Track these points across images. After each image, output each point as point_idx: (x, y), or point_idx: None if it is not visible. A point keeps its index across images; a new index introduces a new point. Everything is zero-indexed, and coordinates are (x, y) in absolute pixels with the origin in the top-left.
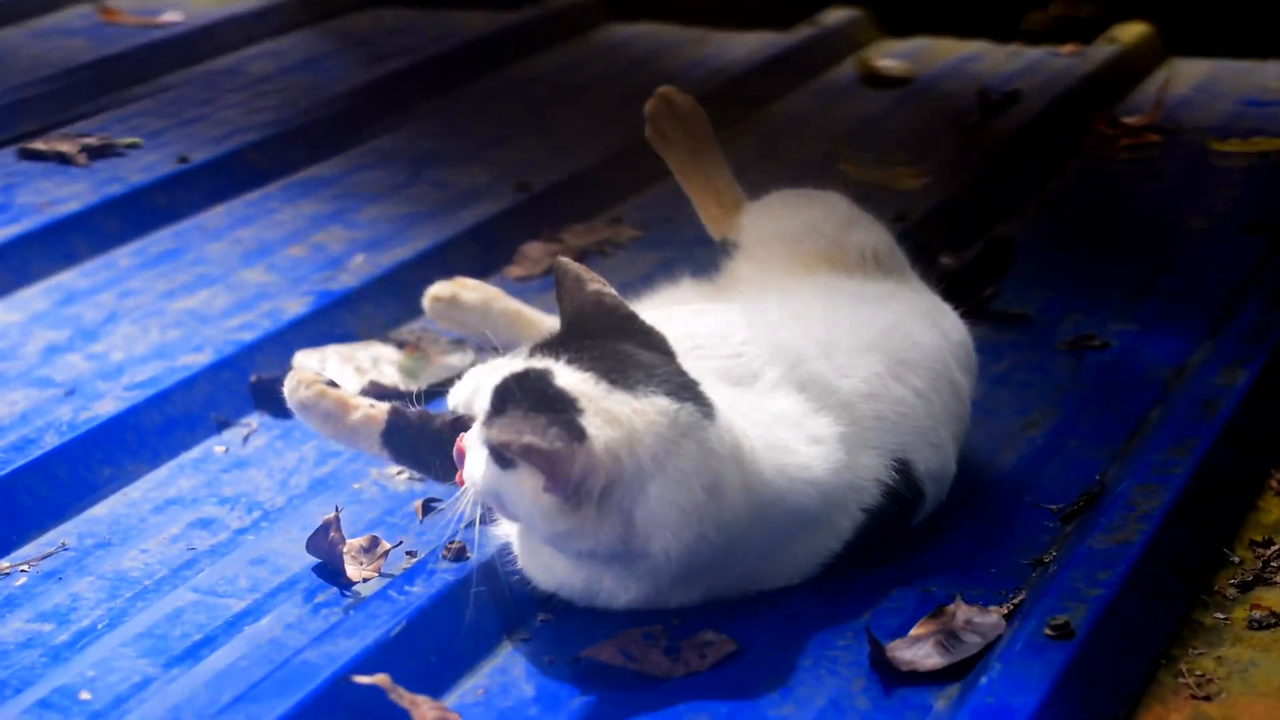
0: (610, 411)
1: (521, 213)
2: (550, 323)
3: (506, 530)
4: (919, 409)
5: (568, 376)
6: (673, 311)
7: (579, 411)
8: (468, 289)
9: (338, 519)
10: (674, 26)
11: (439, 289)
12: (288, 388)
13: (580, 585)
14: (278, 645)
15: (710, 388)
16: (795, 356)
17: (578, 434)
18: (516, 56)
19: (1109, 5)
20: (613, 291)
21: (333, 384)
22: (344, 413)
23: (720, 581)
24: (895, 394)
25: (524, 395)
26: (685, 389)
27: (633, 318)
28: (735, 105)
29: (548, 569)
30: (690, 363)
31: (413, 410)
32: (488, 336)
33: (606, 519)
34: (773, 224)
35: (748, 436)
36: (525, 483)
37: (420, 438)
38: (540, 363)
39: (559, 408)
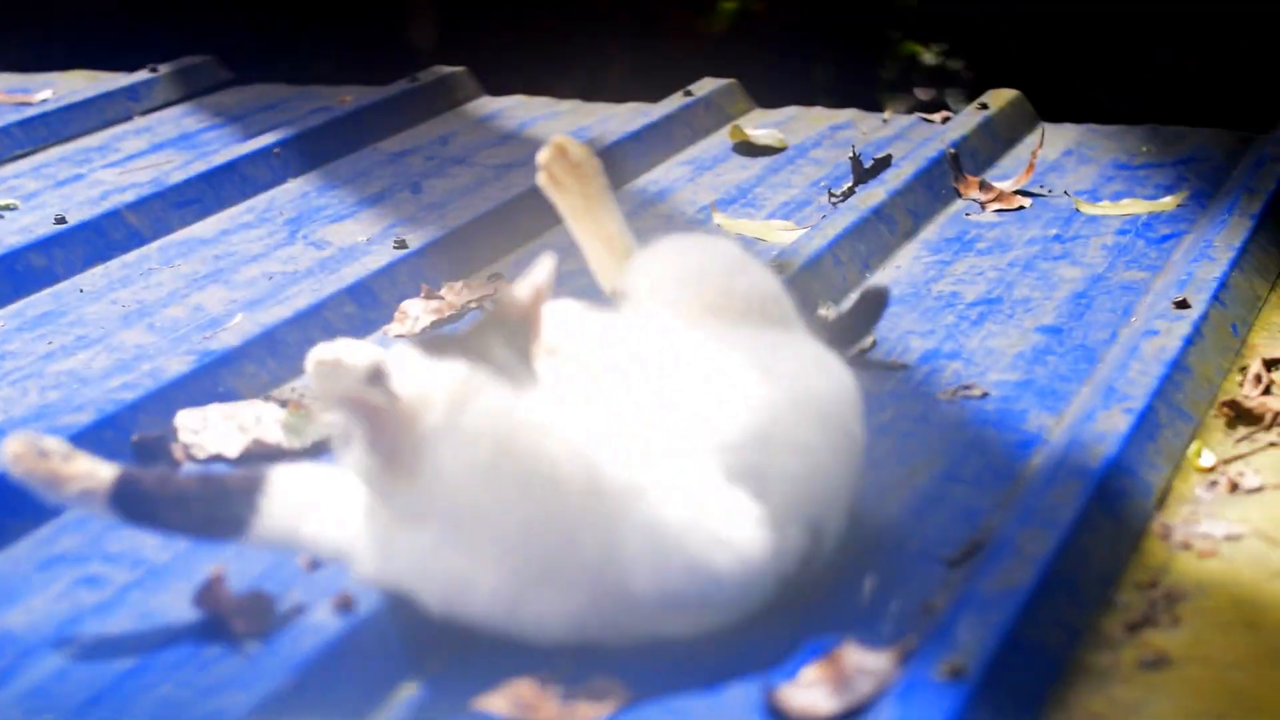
0: (420, 374)
1: (400, 270)
2: None
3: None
4: (825, 465)
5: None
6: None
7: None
8: (352, 352)
9: (221, 575)
10: (547, 99)
11: (322, 352)
12: (6, 460)
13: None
14: (166, 703)
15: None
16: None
17: (385, 388)
18: (389, 130)
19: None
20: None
21: (44, 453)
22: (58, 484)
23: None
24: (806, 447)
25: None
26: (494, 369)
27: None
28: (609, 174)
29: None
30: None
31: (148, 473)
32: None
33: (417, 477)
34: (661, 268)
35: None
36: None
37: (158, 498)
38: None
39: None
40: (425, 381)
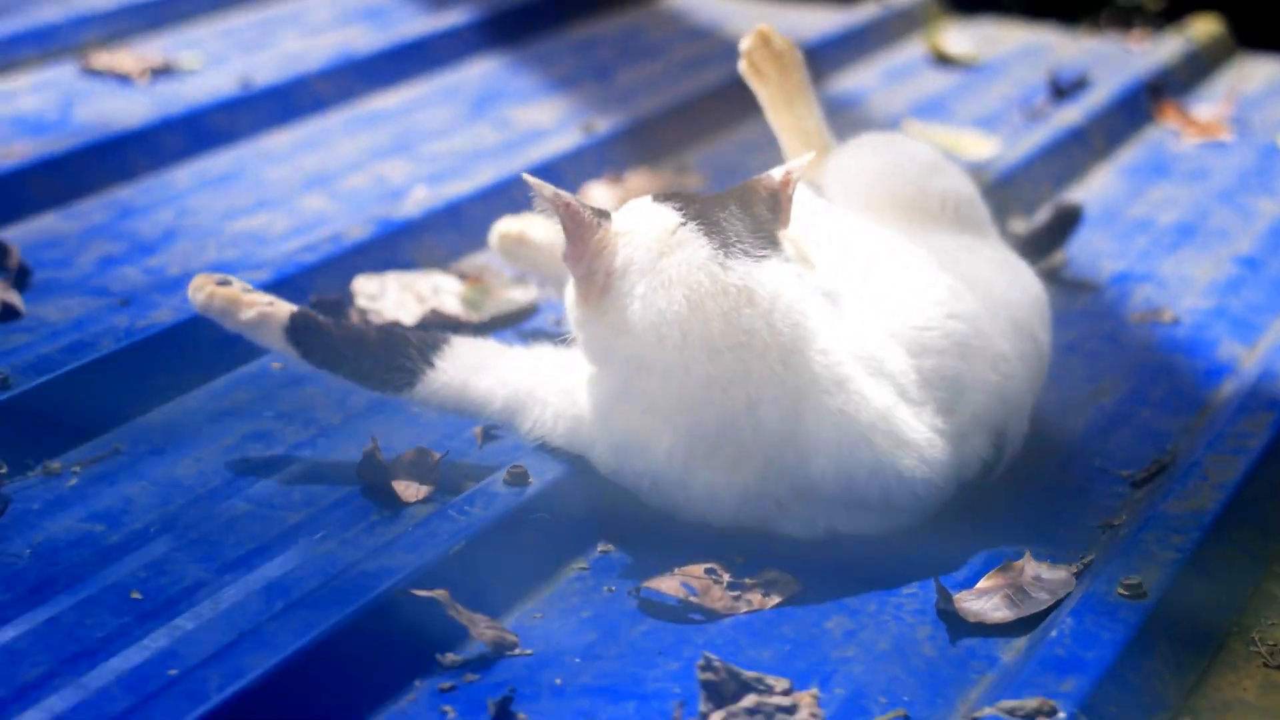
0: (637, 214)
1: (586, 154)
2: None
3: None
4: (1017, 374)
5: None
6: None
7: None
8: (537, 226)
9: (376, 446)
10: None
11: (507, 225)
12: (189, 294)
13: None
14: (333, 558)
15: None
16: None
17: (604, 215)
18: (580, 17)
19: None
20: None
21: (226, 282)
22: (236, 310)
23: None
24: (1002, 356)
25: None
26: (713, 228)
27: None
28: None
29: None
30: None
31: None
32: (554, 275)
33: (609, 313)
34: (858, 163)
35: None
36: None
37: (335, 336)
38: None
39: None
40: (635, 216)
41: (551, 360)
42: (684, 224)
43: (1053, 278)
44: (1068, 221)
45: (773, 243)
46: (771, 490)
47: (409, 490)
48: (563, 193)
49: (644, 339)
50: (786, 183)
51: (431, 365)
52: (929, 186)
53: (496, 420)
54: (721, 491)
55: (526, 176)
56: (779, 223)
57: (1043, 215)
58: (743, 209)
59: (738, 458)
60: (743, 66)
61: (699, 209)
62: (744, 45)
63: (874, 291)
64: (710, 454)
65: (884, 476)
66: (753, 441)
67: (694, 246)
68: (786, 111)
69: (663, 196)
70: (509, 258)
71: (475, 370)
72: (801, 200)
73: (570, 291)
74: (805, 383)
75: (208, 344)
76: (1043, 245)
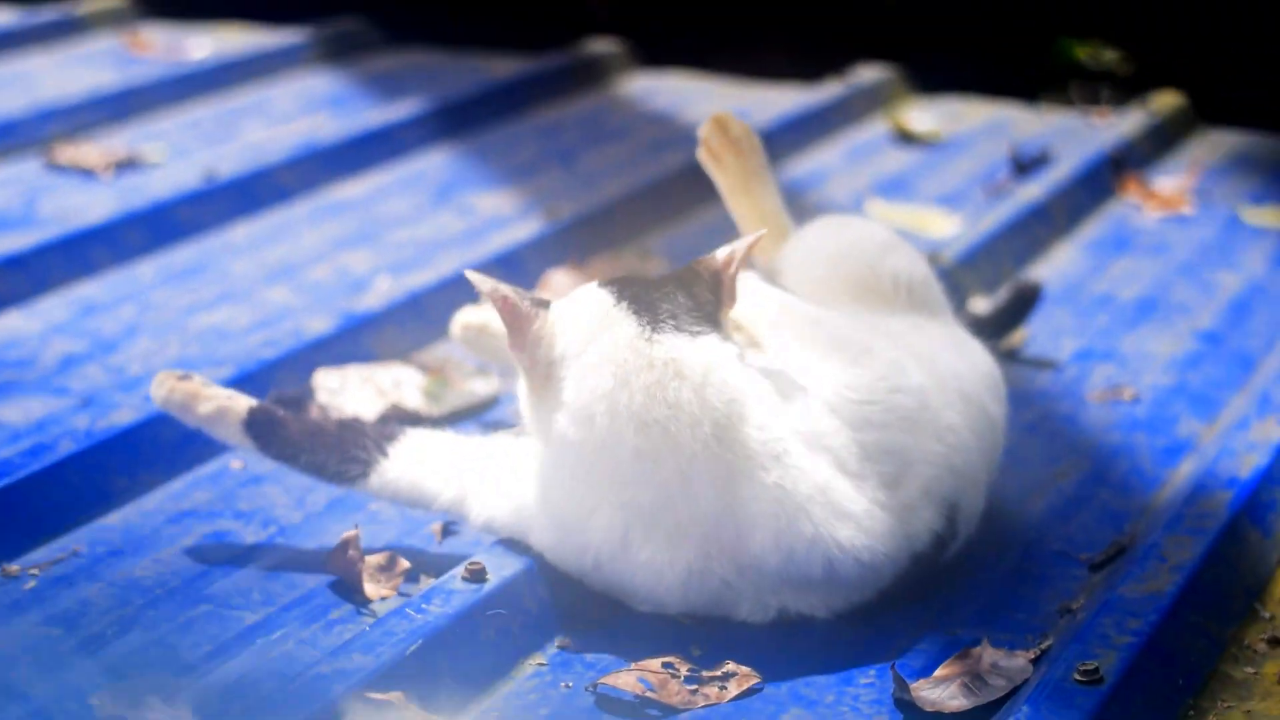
0: (575, 300)
1: (549, 241)
2: None
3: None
4: (967, 445)
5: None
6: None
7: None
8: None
9: (357, 537)
10: (703, 76)
11: (469, 316)
12: (151, 391)
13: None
14: (290, 658)
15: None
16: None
17: (543, 305)
18: (542, 102)
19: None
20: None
21: (187, 377)
22: (195, 404)
23: None
24: (949, 428)
25: None
26: (645, 307)
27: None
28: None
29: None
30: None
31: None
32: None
33: (550, 398)
34: (813, 245)
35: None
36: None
37: (292, 429)
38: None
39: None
40: (572, 303)
41: (504, 448)
42: (617, 306)
43: (1013, 356)
44: (1027, 299)
45: (711, 321)
46: (715, 568)
47: (374, 587)
48: (501, 286)
49: (577, 416)
50: (728, 263)
51: (385, 455)
52: (881, 267)
53: (448, 510)
54: (664, 569)
55: (468, 273)
56: (721, 303)
57: (1002, 294)
58: (683, 290)
59: (675, 532)
60: (701, 154)
61: (636, 291)
62: (701, 132)
63: (816, 368)
64: (648, 529)
65: (824, 547)
66: (689, 516)
67: (623, 325)
68: (744, 197)
69: (605, 282)
70: (471, 348)
71: (428, 461)
72: (748, 283)
73: (520, 382)
74: (740, 458)
75: (167, 444)
76: (1003, 323)
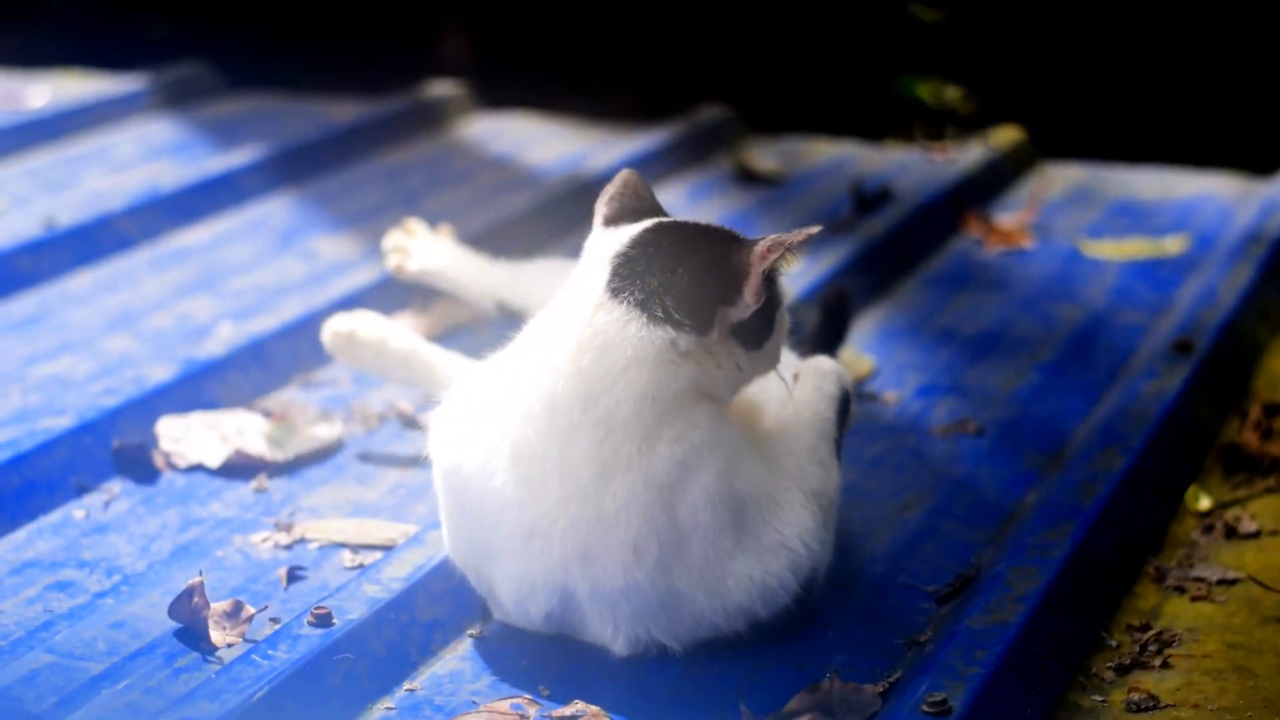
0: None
1: (392, 285)
2: (448, 363)
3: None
4: None
5: None
6: None
7: None
8: (367, 325)
9: (202, 584)
10: (545, 117)
11: (338, 323)
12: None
13: None
14: (137, 709)
15: None
16: None
17: None
18: (385, 145)
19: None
20: None
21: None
22: None
23: None
24: None
25: None
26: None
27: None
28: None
29: None
30: None
31: None
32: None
33: None
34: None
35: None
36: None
37: None
38: None
39: None
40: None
41: None
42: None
43: (858, 392)
44: (836, 308)
45: (691, 313)
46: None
47: (220, 635)
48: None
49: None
50: (764, 255)
51: None
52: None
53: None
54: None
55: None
56: (731, 299)
57: (815, 314)
58: (691, 267)
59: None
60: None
61: (643, 250)
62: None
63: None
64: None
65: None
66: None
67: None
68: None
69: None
70: (339, 355)
71: None
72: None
73: None
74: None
75: (9, 493)
76: (829, 340)
